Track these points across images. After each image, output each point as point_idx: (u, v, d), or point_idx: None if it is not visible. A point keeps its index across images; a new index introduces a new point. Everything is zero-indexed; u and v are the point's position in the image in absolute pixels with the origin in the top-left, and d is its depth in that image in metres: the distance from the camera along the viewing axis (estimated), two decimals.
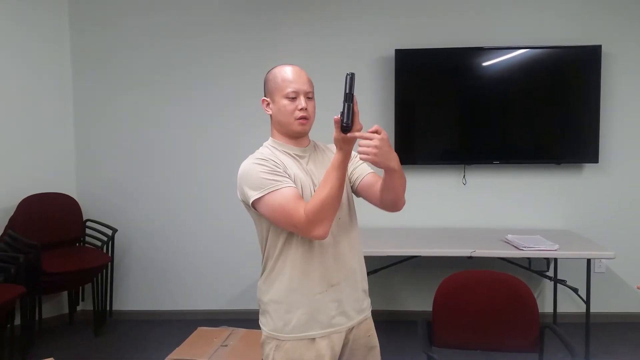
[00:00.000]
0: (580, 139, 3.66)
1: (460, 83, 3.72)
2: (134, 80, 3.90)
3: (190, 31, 3.85)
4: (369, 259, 1.75)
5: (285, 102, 1.55)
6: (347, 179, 1.65)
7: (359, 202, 1.69)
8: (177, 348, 2.73)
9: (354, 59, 3.76)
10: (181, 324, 3.73)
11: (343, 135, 1.36)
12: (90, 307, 3.78)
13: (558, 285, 3.68)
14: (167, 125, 3.91)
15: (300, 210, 1.41)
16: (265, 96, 1.62)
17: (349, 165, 1.66)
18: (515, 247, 3.09)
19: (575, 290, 3.24)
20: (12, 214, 3.54)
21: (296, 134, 1.59)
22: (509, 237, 3.24)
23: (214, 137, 3.90)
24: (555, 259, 3.62)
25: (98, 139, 3.95)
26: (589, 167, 3.74)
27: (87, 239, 3.83)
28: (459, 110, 3.79)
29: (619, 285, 3.79)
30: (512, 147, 3.75)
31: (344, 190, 1.44)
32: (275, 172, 1.49)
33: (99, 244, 3.72)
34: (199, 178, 3.93)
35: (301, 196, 1.48)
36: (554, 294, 3.77)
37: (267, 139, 1.67)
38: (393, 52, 3.67)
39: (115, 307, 3.97)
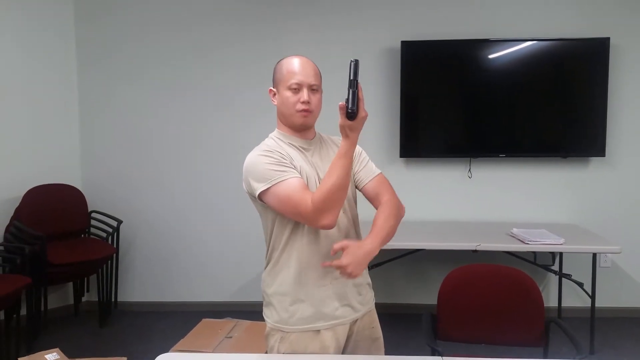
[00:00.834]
0: (586, 133, 3.63)
1: (466, 75, 3.69)
2: (139, 72, 3.90)
3: (196, 23, 3.83)
4: None
5: (288, 93, 1.53)
6: (352, 179, 1.64)
7: (362, 195, 1.69)
8: (181, 339, 2.74)
9: (359, 51, 3.74)
10: (186, 316, 3.74)
11: (349, 122, 1.36)
12: (95, 298, 3.80)
13: (563, 279, 3.67)
14: (172, 117, 3.91)
15: (307, 199, 1.41)
16: (272, 86, 1.61)
17: (355, 163, 1.66)
18: (521, 241, 3.08)
19: (581, 285, 3.22)
20: (17, 205, 3.55)
21: (298, 126, 1.58)
22: (514, 230, 3.23)
23: (218, 128, 3.89)
24: (561, 253, 3.61)
25: (103, 130, 3.95)
26: (595, 161, 3.71)
27: (92, 230, 3.84)
28: (465, 103, 3.76)
29: (624, 280, 3.78)
30: (518, 141, 3.73)
31: (350, 178, 1.43)
32: (281, 163, 1.49)
33: (104, 235, 3.73)
34: (203, 169, 3.93)
35: (307, 186, 1.48)
36: (559, 288, 3.76)
37: (271, 131, 1.66)
38: (399, 44, 3.64)
39: (120, 299, 3.99)
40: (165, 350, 2.66)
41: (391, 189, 1.65)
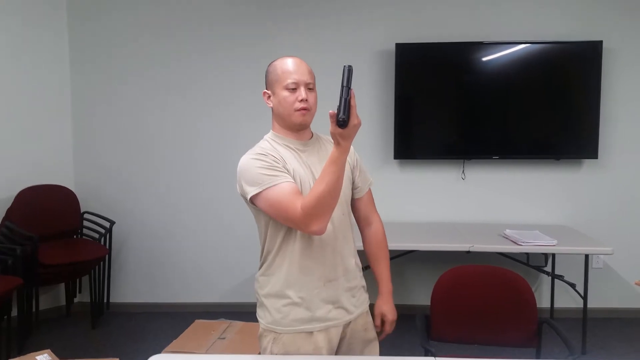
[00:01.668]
0: (579, 135, 3.66)
1: (460, 78, 3.71)
2: (132, 73, 3.88)
3: (190, 23, 3.82)
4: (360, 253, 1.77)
5: (286, 93, 1.53)
6: (350, 177, 1.65)
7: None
8: (174, 340, 2.73)
9: (354, 53, 3.74)
10: (178, 317, 3.73)
11: (340, 130, 1.31)
12: (87, 299, 3.77)
13: (556, 280, 3.68)
14: (166, 117, 3.90)
15: (297, 205, 1.40)
16: (266, 89, 1.61)
17: (355, 169, 1.69)
18: (514, 242, 3.09)
19: (573, 286, 3.24)
20: (9, 205, 3.53)
21: (297, 126, 1.57)
22: (508, 232, 3.24)
23: (212, 129, 3.88)
24: (553, 254, 3.63)
25: (96, 130, 3.93)
26: (588, 163, 3.73)
27: (85, 231, 3.82)
28: (459, 105, 3.77)
29: (616, 281, 3.80)
30: (511, 142, 3.74)
31: (342, 185, 1.42)
32: (274, 167, 1.49)
33: (97, 236, 3.72)
34: (197, 170, 3.92)
35: (299, 191, 1.47)
36: (551, 289, 3.78)
37: (266, 131, 1.66)
38: (393, 46, 3.65)
39: (113, 299, 3.97)
40: (158, 351, 2.64)
41: (374, 205, 1.80)
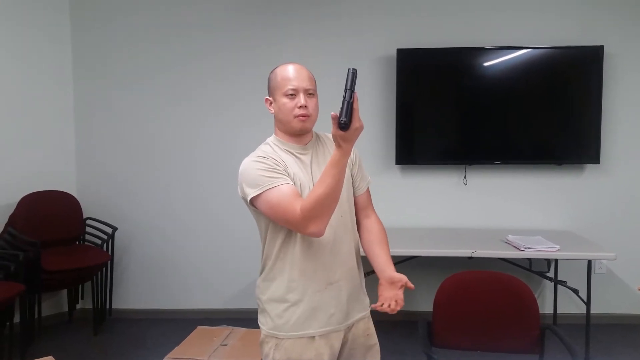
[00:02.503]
0: (581, 140, 3.65)
1: (461, 83, 3.71)
2: (135, 79, 3.90)
3: (192, 29, 3.84)
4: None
5: (285, 100, 1.54)
6: (350, 178, 1.65)
7: None
8: (176, 347, 2.73)
9: (355, 58, 3.75)
10: (181, 323, 3.72)
11: (341, 132, 1.31)
12: (89, 305, 3.77)
13: (558, 286, 3.67)
14: (168, 123, 3.91)
15: (296, 206, 1.41)
16: (268, 96, 1.62)
17: (354, 166, 1.69)
18: (516, 247, 3.08)
19: (576, 292, 3.23)
20: (12, 211, 3.54)
21: (297, 132, 1.58)
22: (510, 237, 3.23)
23: (214, 135, 3.89)
24: (556, 260, 3.62)
25: (98, 137, 3.94)
26: (590, 168, 3.73)
27: (87, 237, 3.82)
28: (460, 110, 3.78)
29: (619, 287, 3.78)
30: (513, 148, 3.74)
31: (342, 187, 1.42)
32: (274, 169, 1.49)
33: (99, 242, 3.72)
34: (199, 176, 3.92)
35: (299, 193, 1.48)
36: (554, 295, 3.77)
37: (267, 136, 1.67)
38: (395, 52, 3.66)
39: (115, 306, 3.97)
40: (160, 358, 2.65)
41: (372, 202, 1.78)
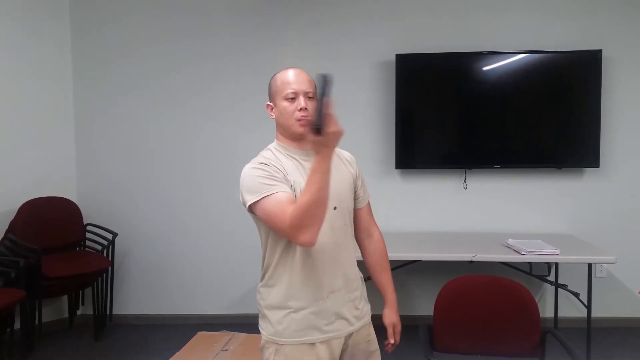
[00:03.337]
0: (581, 143, 3.66)
1: (461, 87, 3.73)
2: (135, 85, 3.91)
3: (192, 34, 3.86)
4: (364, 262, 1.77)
5: (285, 103, 1.55)
6: (351, 187, 1.67)
7: None
8: (177, 352, 2.73)
9: (354, 64, 3.77)
10: (181, 329, 3.72)
11: (315, 137, 1.32)
12: (90, 311, 3.77)
13: (559, 289, 3.67)
14: (168, 128, 3.92)
15: (287, 215, 1.40)
16: (269, 101, 1.63)
17: (358, 179, 1.71)
18: (516, 251, 3.09)
19: (577, 295, 3.23)
20: (12, 217, 3.54)
21: (298, 136, 1.58)
22: (510, 241, 3.24)
23: (214, 140, 3.90)
24: (557, 264, 3.61)
25: (99, 142, 3.95)
26: (589, 172, 3.73)
27: (88, 243, 3.82)
28: (460, 115, 3.79)
29: (620, 290, 3.78)
30: (512, 152, 3.75)
31: (327, 194, 1.38)
32: (273, 177, 1.49)
33: (100, 248, 3.72)
34: (199, 181, 3.93)
35: (294, 201, 1.45)
36: (555, 299, 3.76)
37: (268, 140, 1.68)
38: (394, 57, 3.67)
39: (116, 312, 3.96)
40: None
41: (373, 217, 1.81)
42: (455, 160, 3.79)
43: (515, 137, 3.75)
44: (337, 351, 1.60)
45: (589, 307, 3.14)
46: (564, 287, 3.32)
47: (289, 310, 1.56)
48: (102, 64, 3.92)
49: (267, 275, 1.61)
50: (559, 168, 3.73)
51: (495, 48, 3.66)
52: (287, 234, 1.42)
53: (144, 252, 3.98)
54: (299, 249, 1.54)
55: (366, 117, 3.76)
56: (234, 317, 3.87)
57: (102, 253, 3.69)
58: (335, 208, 1.57)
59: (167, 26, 3.87)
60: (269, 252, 1.59)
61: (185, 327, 3.65)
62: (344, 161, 1.70)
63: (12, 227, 3.51)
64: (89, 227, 3.84)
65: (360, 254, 1.78)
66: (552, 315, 3.77)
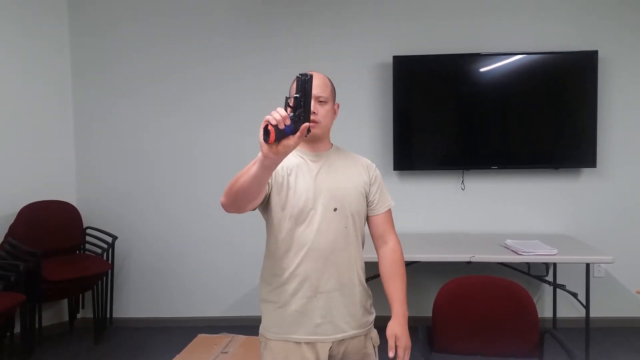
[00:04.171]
0: (577, 144, 3.68)
1: (458, 89, 3.74)
2: (134, 88, 3.92)
3: (190, 38, 3.87)
4: (368, 265, 1.77)
5: None
6: (361, 192, 1.65)
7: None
8: (177, 355, 2.74)
9: (352, 66, 3.78)
10: (181, 331, 3.73)
11: (269, 146, 1.24)
12: (90, 314, 3.77)
13: (557, 290, 3.68)
14: (167, 132, 3.93)
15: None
16: None
17: (372, 185, 1.68)
18: (514, 252, 3.10)
19: (575, 295, 3.24)
20: (12, 221, 3.54)
21: (306, 138, 1.59)
22: (508, 242, 3.25)
23: (213, 143, 3.91)
24: (555, 264, 3.63)
25: (98, 146, 3.96)
26: (586, 172, 3.75)
27: (87, 246, 3.83)
28: (457, 116, 3.80)
29: (618, 290, 3.80)
30: (510, 153, 3.76)
31: (251, 183, 1.34)
32: (276, 172, 1.52)
33: (99, 251, 3.72)
34: (198, 184, 3.93)
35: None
36: (553, 299, 3.78)
37: None
38: (391, 59, 3.68)
39: (116, 315, 3.97)
40: None
41: (393, 226, 1.75)
42: (453, 161, 3.80)
43: (512, 138, 3.77)
44: (324, 356, 1.59)
45: (587, 307, 3.15)
46: (562, 287, 3.33)
47: (276, 305, 1.59)
48: (101, 67, 3.92)
49: (262, 270, 1.66)
50: (556, 168, 3.74)
51: (492, 49, 3.68)
52: None
53: (144, 255, 3.98)
54: (294, 246, 1.56)
55: (364, 118, 3.77)
56: (234, 319, 3.88)
57: (102, 256, 3.69)
58: (335, 209, 1.58)
59: (166, 28, 3.88)
60: (266, 246, 1.64)
61: (185, 330, 3.65)
62: (358, 166, 1.69)
63: (12, 230, 3.51)
64: (88, 231, 3.85)
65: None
66: (551, 315, 3.79)
